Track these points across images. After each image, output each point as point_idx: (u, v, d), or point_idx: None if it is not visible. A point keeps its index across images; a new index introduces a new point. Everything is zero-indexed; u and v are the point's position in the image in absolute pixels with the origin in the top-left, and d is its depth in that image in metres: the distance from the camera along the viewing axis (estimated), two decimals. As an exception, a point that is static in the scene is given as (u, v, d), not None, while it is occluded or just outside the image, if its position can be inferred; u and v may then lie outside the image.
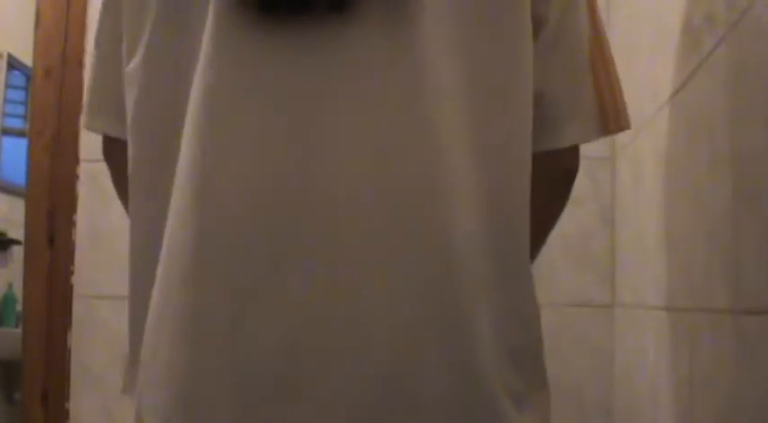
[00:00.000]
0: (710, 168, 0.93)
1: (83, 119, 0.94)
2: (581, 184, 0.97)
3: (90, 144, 1.99)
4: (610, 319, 1.79)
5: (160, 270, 0.78)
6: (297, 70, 0.75)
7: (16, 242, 3.42)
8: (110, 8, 0.89)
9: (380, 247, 0.73)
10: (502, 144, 0.79)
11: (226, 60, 0.75)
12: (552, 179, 0.89)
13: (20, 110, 3.87)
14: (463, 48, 0.77)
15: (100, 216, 1.99)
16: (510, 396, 0.76)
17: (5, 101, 3.77)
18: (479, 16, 0.78)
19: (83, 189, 2.01)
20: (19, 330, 2.10)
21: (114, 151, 0.94)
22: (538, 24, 0.82)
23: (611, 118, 0.90)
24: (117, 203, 1.99)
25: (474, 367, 0.74)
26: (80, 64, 2.01)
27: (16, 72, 3.77)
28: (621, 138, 1.61)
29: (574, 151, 0.92)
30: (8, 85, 3.77)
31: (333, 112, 0.74)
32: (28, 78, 3.50)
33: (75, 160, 2.00)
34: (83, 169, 2.00)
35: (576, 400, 1.79)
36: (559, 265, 1.79)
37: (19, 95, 3.85)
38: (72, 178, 2.00)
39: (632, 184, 1.55)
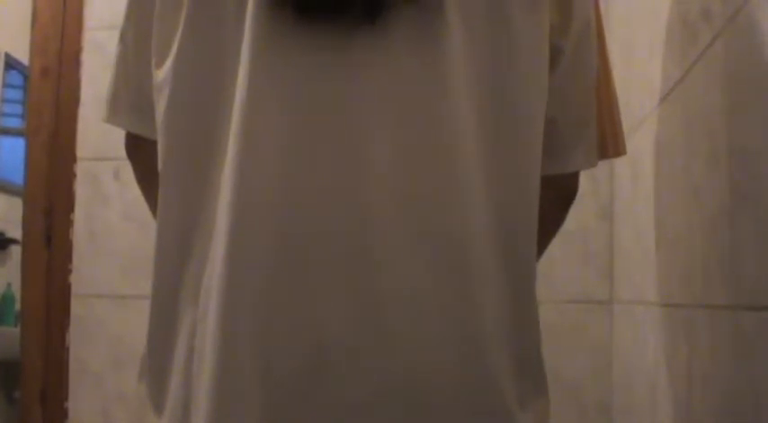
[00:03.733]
0: (708, 164, 0.93)
1: (103, 113, 0.93)
2: (580, 180, 0.99)
3: (87, 142, 1.99)
4: (608, 315, 1.79)
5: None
6: (330, 78, 0.77)
7: (15, 241, 3.42)
8: (139, 4, 0.88)
9: (405, 251, 0.75)
10: (514, 164, 0.81)
11: (263, 67, 0.77)
12: (552, 201, 0.92)
13: (18, 109, 3.87)
14: (484, 71, 0.79)
15: (97, 215, 1.99)
16: (514, 397, 0.78)
17: (3, 100, 3.76)
18: (501, 41, 0.80)
19: (80, 188, 2.00)
20: (18, 330, 2.10)
21: (137, 148, 0.94)
22: (555, 54, 0.85)
23: (610, 144, 0.98)
24: (114, 202, 1.97)
25: (487, 367, 0.77)
26: (77, 62, 2.01)
27: (14, 71, 3.77)
28: (619, 134, 1.60)
29: (575, 175, 0.96)
30: (6, 85, 3.76)
31: (362, 119, 0.77)
32: (25, 77, 3.49)
33: (73, 159, 1.99)
34: (80, 168, 2.00)
35: (575, 396, 1.79)
36: (558, 262, 1.79)
37: (17, 94, 3.84)
38: (69, 177, 1.99)
39: (631, 181, 1.55)
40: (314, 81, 0.77)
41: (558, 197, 0.95)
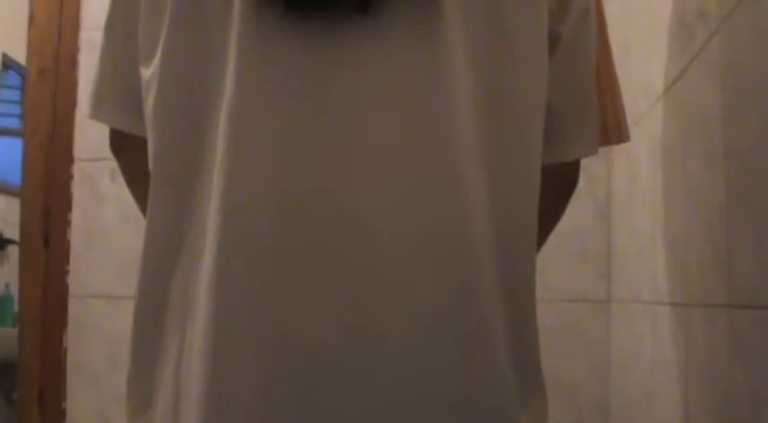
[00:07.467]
0: (705, 162, 0.93)
1: (88, 109, 0.92)
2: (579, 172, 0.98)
3: (84, 143, 1.99)
4: (605, 314, 1.79)
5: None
6: (322, 74, 0.75)
7: (12, 242, 3.42)
8: (123, 1, 0.87)
9: (403, 251, 0.74)
10: (515, 159, 0.80)
11: (252, 64, 0.75)
12: (552, 190, 0.90)
13: (15, 109, 3.86)
14: (483, 64, 0.78)
15: (94, 215, 1.99)
16: (515, 396, 0.78)
17: (1, 101, 3.76)
18: (499, 32, 0.79)
19: (77, 188, 2.00)
20: (15, 330, 2.10)
21: (123, 145, 0.93)
22: (553, 41, 0.84)
23: (613, 131, 0.94)
24: (111, 203, 1.97)
25: (488, 366, 0.76)
26: (74, 63, 2.01)
27: (11, 72, 3.77)
28: (616, 133, 1.60)
29: (575, 164, 0.94)
30: (3, 85, 3.76)
31: (356, 117, 0.75)
32: (23, 78, 3.49)
33: (70, 159, 2.00)
34: (77, 168, 2.00)
35: (572, 395, 1.79)
36: (555, 261, 1.79)
37: (15, 95, 3.84)
38: (66, 178, 1.99)
39: (628, 179, 1.55)
40: (305, 78, 0.75)
41: (558, 187, 0.93)
